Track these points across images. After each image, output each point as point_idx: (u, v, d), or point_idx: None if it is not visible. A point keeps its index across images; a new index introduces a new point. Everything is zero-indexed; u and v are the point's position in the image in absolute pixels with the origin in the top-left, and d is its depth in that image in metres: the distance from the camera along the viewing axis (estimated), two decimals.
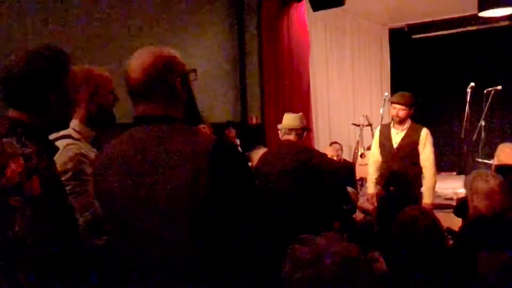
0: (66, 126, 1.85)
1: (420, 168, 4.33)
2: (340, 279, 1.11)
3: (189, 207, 1.29)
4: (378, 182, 4.55)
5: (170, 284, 1.32)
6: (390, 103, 4.64)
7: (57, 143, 1.73)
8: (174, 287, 1.31)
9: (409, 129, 4.37)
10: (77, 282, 1.48)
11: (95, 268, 1.61)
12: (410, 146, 4.32)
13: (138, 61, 1.43)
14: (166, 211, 1.31)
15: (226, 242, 1.30)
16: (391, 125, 4.48)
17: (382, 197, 4.48)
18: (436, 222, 1.99)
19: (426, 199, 4.26)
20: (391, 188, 4.35)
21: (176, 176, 1.30)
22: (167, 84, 1.44)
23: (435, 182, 4.32)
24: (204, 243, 1.30)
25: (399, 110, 4.31)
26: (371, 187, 4.63)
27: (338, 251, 1.14)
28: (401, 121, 4.36)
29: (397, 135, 4.40)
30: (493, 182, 2.58)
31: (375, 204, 4.59)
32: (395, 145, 4.39)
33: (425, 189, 4.31)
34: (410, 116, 4.38)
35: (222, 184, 1.29)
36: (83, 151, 1.90)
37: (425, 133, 4.33)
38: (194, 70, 1.54)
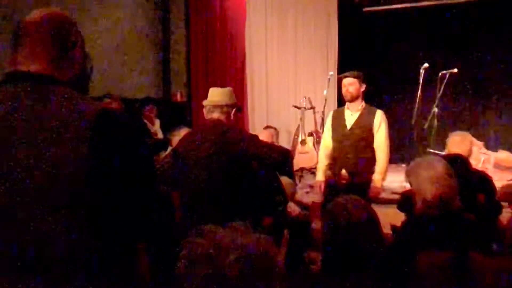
0: None
1: (374, 153, 4.52)
2: (246, 277, 1.06)
3: (68, 183, 1.23)
4: (330, 168, 4.71)
5: (48, 275, 1.24)
6: (338, 81, 4.79)
7: None
8: (51, 277, 1.24)
9: (364, 110, 4.58)
10: None
11: None
12: (364, 128, 4.53)
13: (40, 13, 1.43)
14: (41, 188, 1.23)
15: (112, 225, 1.27)
16: (345, 107, 4.67)
17: (332, 183, 4.62)
18: (371, 216, 1.99)
19: (376, 183, 4.48)
20: (344, 170, 4.52)
21: (54, 145, 1.25)
22: (63, 41, 1.43)
23: (387, 166, 4.56)
24: (87, 223, 1.25)
25: (349, 85, 4.53)
26: (319, 175, 4.82)
27: (244, 245, 1.09)
28: (353, 99, 4.54)
29: (351, 116, 4.61)
30: (438, 166, 2.63)
31: (323, 191, 4.74)
32: (348, 126, 4.58)
33: (376, 173, 4.51)
34: (364, 99, 4.60)
35: (106, 157, 1.27)
36: None
37: (380, 115, 4.55)
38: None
